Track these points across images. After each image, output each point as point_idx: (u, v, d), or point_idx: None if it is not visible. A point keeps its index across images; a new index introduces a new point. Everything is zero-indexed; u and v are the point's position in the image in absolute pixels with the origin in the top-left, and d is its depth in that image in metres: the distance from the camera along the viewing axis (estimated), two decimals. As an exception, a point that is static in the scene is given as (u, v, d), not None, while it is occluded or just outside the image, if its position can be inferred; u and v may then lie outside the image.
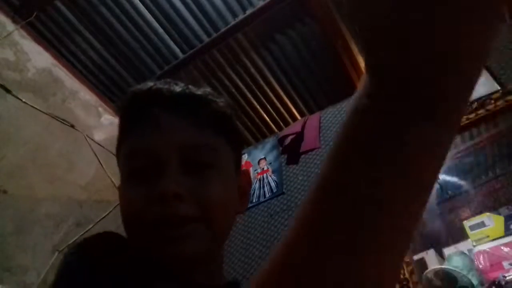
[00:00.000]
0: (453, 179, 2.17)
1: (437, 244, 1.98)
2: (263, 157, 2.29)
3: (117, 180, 2.22)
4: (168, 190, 0.40)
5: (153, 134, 0.45)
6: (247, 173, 0.58)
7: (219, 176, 0.46)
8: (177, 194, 0.41)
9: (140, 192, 0.43)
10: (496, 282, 1.58)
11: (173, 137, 0.45)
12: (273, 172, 2.15)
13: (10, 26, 2.05)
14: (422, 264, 1.80)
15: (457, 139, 1.99)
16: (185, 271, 0.43)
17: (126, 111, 0.49)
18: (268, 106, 2.60)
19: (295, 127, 2.28)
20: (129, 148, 0.47)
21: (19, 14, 2.11)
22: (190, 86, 0.49)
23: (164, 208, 0.40)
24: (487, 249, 1.74)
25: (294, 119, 2.62)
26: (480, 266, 1.70)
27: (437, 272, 1.69)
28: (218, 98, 0.50)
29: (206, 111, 0.47)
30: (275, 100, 2.57)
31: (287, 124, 2.61)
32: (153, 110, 0.46)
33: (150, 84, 0.48)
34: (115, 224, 2.16)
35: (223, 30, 2.29)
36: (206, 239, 0.43)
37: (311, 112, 2.51)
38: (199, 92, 0.49)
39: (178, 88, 0.48)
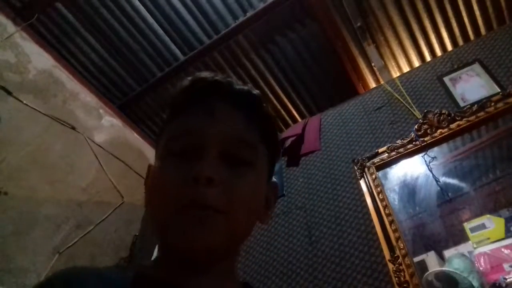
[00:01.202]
0: (454, 181, 2.17)
1: (438, 246, 1.98)
2: (263, 159, 2.29)
3: (117, 182, 2.23)
4: (203, 173, 0.41)
5: (204, 119, 0.47)
6: (276, 187, 0.59)
7: (252, 176, 0.47)
8: (210, 179, 0.41)
9: (177, 172, 0.44)
10: (497, 284, 1.57)
11: (221, 126, 0.47)
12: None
13: (11, 28, 2.05)
14: (423, 266, 1.79)
15: (458, 141, 1.99)
16: (200, 262, 0.43)
17: (183, 94, 0.50)
18: (269, 108, 2.60)
19: (295, 129, 2.28)
20: (176, 128, 0.48)
21: (20, 16, 2.12)
22: (249, 85, 0.51)
23: (195, 192, 0.41)
24: (488, 251, 1.74)
25: (295, 121, 2.63)
26: (481, 268, 1.69)
27: (437, 274, 1.69)
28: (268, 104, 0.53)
29: (258, 111, 0.50)
30: (275, 102, 2.58)
31: (287, 126, 2.62)
32: (210, 98, 0.48)
33: (211, 74, 0.50)
34: (115, 226, 2.16)
35: (223, 32, 2.29)
36: (224, 233, 0.42)
37: (312, 113, 2.51)
38: (255, 92, 0.51)
39: (236, 84, 0.50)
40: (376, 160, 1.81)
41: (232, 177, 0.44)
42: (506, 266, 1.64)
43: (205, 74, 0.50)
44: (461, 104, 1.77)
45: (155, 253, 2.00)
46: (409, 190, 2.09)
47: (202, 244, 0.41)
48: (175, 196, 0.42)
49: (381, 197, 1.66)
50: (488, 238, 1.81)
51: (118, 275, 0.43)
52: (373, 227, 1.59)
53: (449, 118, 1.73)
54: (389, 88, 2.07)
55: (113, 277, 0.42)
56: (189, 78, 0.50)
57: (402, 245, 1.48)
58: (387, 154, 1.80)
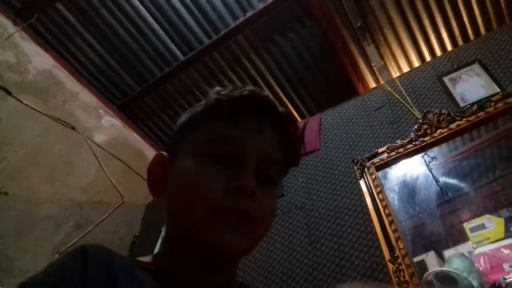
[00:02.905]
0: (453, 181, 2.17)
1: (437, 246, 1.98)
2: (263, 159, 2.29)
3: (117, 182, 2.23)
4: (250, 186, 0.45)
5: (253, 133, 0.50)
6: None
7: (275, 194, 0.53)
8: (253, 193, 0.46)
9: (218, 176, 0.46)
10: (497, 285, 1.57)
11: (265, 143, 0.50)
12: (273, 174, 2.15)
13: (11, 28, 2.05)
14: (422, 266, 1.79)
15: (457, 141, 1.99)
16: (222, 261, 0.47)
17: (236, 101, 0.51)
18: (268, 108, 2.60)
19: (295, 129, 2.28)
20: (221, 131, 0.50)
21: (20, 16, 2.12)
22: (285, 109, 0.55)
23: (239, 200, 0.45)
24: (488, 251, 1.74)
25: (294, 121, 2.63)
26: (481, 268, 1.69)
27: (437, 275, 1.68)
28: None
29: (294, 137, 0.55)
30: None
31: (287, 126, 2.61)
32: (261, 115, 0.52)
33: (261, 90, 0.53)
34: (115, 226, 2.16)
35: (223, 32, 2.29)
36: (250, 241, 0.47)
37: (311, 113, 2.52)
38: (291, 118, 0.55)
39: (282, 109, 0.54)
40: (376, 160, 1.81)
41: (262, 194, 0.48)
42: (506, 266, 1.64)
43: (258, 90, 0.52)
44: (461, 104, 1.77)
45: (158, 247, 2.00)
46: (409, 190, 2.09)
47: (234, 247, 0.45)
48: (215, 198, 0.45)
49: (381, 197, 1.66)
50: (488, 238, 1.81)
51: (137, 265, 0.45)
52: (373, 227, 1.59)
53: (449, 118, 1.73)
54: (389, 88, 2.07)
55: (135, 267, 0.43)
56: (242, 88, 0.52)
57: (402, 245, 1.48)
58: (387, 154, 1.80)
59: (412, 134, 1.77)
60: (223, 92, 0.51)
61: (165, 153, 0.55)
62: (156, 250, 2.00)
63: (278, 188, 0.55)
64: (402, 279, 1.39)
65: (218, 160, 0.47)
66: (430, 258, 1.86)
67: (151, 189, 0.54)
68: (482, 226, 1.87)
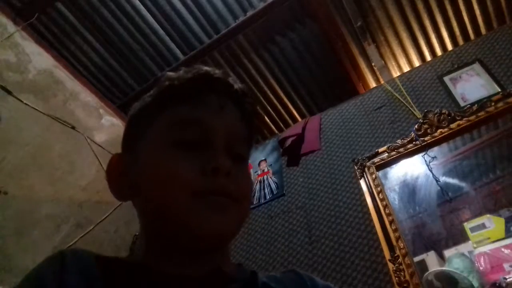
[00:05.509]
0: (454, 181, 2.17)
1: (438, 246, 1.98)
2: (263, 158, 2.29)
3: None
4: (224, 166, 0.44)
5: (214, 113, 0.48)
6: None
7: (247, 170, 0.53)
8: (229, 172, 0.44)
9: (191, 161, 0.44)
10: (497, 284, 1.57)
11: (228, 122, 0.49)
12: (273, 173, 2.15)
13: (11, 27, 2.05)
14: (423, 266, 1.80)
15: (458, 141, 1.99)
16: (211, 247, 0.45)
17: (191, 83, 0.49)
18: (269, 108, 2.60)
19: (295, 129, 2.28)
20: (185, 116, 0.48)
21: (20, 16, 2.12)
22: (243, 84, 0.54)
23: (216, 181, 0.44)
24: (488, 251, 1.74)
25: (295, 120, 2.63)
26: (481, 268, 1.70)
27: (437, 274, 1.69)
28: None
29: (254, 111, 0.54)
30: (275, 102, 2.58)
31: (287, 125, 2.62)
32: (218, 94, 0.50)
33: (214, 69, 0.51)
34: (115, 225, 2.16)
35: (223, 31, 2.29)
36: (237, 220, 0.46)
37: (312, 113, 2.51)
38: (251, 93, 0.55)
39: (238, 84, 0.53)
40: (376, 159, 1.81)
41: (236, 171, 0.46)
42: (506, 266, 1.64)
43: (211, 69, 0.50)
44: (461, 103, 1.77)
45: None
46: (409, 189, 2.09)
47: (221, 228, 0.43)
48: (193, 185, 0.43)
49: (381, 197, 1.66)
50: (488, 238, 1.81)
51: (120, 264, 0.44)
52: (373, 226, 1.59)
53: (449, 117, 1.73)
54: (389, 88, 2.07)
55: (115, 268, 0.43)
56: (194, 70, 0.50)
57: (402, 244, 1.48)
58: (387, 154, 1.80)
59: (413, 134, 1.77)
60: (174, 77, 0.49)
61: (121, 154, 0.52)
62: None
63: (247, 163, 0.54)
64: (402, 278, 1.39)
65: (185, 146, 0.45)
66: (431, 258, 1.86)
67: (116, 194, 0.50)
68: (483, 226, 1.87)
